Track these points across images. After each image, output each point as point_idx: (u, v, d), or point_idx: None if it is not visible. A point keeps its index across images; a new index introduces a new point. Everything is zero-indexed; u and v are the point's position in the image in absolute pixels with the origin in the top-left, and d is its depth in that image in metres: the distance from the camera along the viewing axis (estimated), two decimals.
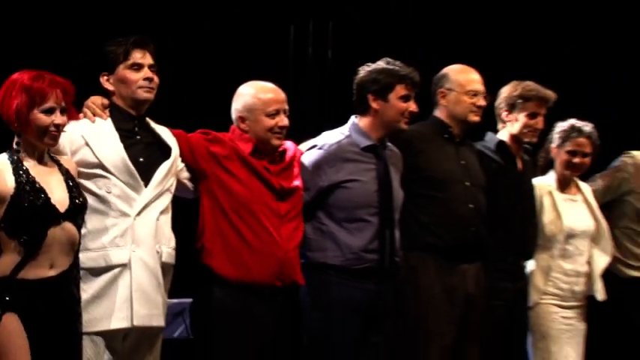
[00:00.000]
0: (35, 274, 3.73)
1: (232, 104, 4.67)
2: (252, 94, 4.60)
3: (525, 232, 5.51)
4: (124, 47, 4.31)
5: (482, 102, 5.25)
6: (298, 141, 5.07)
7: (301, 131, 6.54)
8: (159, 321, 4.23)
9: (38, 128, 3.79)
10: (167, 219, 4.35)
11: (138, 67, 4.30)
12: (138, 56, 4.31)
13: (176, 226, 4.41)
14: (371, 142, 4.86)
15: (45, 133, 3.81)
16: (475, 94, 5.21)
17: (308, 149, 4.93)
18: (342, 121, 5.05)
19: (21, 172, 3.77)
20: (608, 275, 5.73)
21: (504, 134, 5.56)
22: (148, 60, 4.34)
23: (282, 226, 4.54)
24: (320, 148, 4.87)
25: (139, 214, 4.16)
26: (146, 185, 4.21)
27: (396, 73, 4.87)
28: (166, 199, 4.34)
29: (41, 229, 3.73)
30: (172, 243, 4.35)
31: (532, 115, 5.45)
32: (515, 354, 5.56)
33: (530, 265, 5.60)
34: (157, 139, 4.46)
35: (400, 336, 4.87)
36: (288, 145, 4.77)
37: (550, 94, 5.58)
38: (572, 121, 5.73)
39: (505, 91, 5.60)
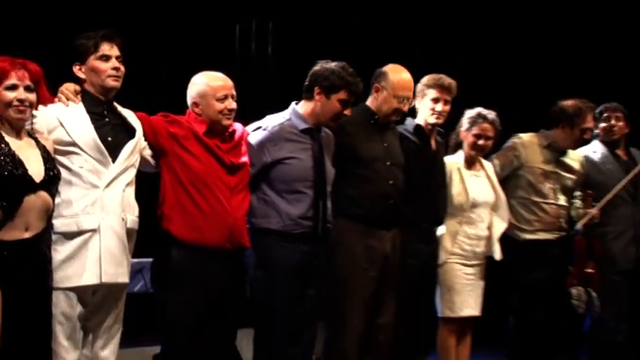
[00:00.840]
0: (11, 235, 3.83)
1: (187, 91, 4.85)
2: (204, 82, 4.81)
3: (437, 202, 5.84)
4: (93, 40, 4.44)
5: (406, 108, 5.54)
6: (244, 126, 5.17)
7: (246, 118, 6.75)
8: (124, 278, 4.40)
9: (3, 104, 3.92)
10: (131, 191, 4.49)
11: (106, 58, 4.43)
12: (106, 48, 4.44)
13: (139, 197, 4.55)
14: (308, 125, 5.11)
15: (9, 106, 3.91)
16: (402, 100, 5.47)
17: (253, 130, 5.14)
18: (281, 108, 5.29)
19: (3, 144, 3.88)
20: (505, 239, 6.09)
21: (420, 119, 5.86)
22: (115, 52, 4.46)
23: (232, 197, 4.75)
24: (264, 129, 5.09)
25: (107, 186, 4.32)
26: (114, 161, 4.36)
27: (344, 78, 5.08)
28: (131, 173, 4.49)
29: (18, 196, 3.83)
30: (136, 211, 4.49)
31: (435, 100, 5.76)
32: (425, 304, 5.85)
33: (440, 230, 5.90)
34: (123, 121, 4.59)
35: (330, 288, 5.20)
36: (237, 126, 4.96)
37: (449, 82, 5.82)
38: (479, 109, 6.04)
39: (418, 84, 5.87)
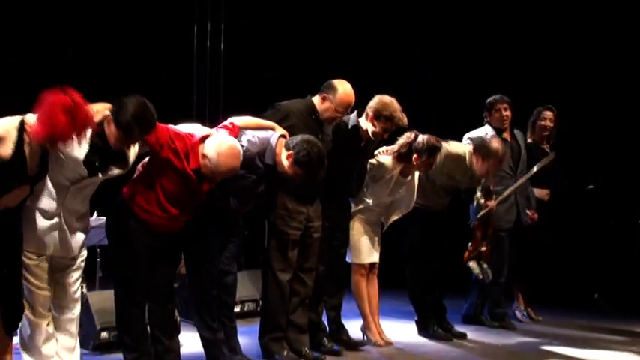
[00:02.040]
0: None
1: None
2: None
3: (352, 183, 6.27)
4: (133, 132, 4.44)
5: (340, 119, 5.89)
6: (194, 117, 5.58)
7: (199, 107, 6.91)
8: (76, 251, 4.65)
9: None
10: (91, 192, 4.67)
11: (123, 142, 4.50)
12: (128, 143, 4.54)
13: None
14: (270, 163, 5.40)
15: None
16: (341, 112, 5.79)
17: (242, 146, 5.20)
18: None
19: (21, 140, 4.09)
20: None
21: (363, 122, 6.09)
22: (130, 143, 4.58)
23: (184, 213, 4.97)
24: (247, 149, 5.27)
25: (76, 190, 4.52)
26: (89, 176, 4.48)
27: None
28: (96, 185, 4.65)
29: (11, 184, 4.13)
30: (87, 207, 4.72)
31: (378, 127, 5.98)
32: (335, 255, 6.25)
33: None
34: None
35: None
36: None
37: (398, 118, 6.00)
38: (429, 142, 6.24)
39: (374, 102, 6.02)
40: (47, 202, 4.47)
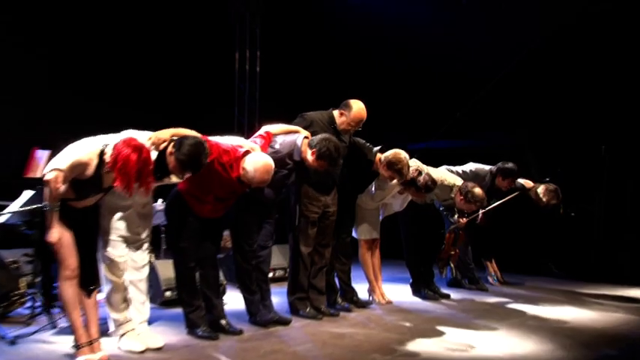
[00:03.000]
0: (76, 204, 4.17)
1: (245, 163, 4.80)
2: (261, 173, 4.80)
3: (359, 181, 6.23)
4: (188, 166, 4.38)
5: (353, 131, 5.85)
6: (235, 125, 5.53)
7: (240, 118, 6.78)
8: (148, 232, 4.79)
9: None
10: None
11: (182, 174, 4.52)
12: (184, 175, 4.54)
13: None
14: (298, 159, 5.36)
15: None
16: (353, 126, 5.77)
17: (271, 151, 5.29)
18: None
19: (99, 165, 4.08)
20: None
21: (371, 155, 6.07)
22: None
23: (214, 212, 4.98)
24: (277, 151, 5.31)
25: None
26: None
27: (330, 157, 5.24)
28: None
29: (90, 194, 4.20)
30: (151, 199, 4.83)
31: (390, 177, 5.99)
32: (344, 233, 6.20)
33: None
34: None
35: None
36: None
37: (405, 174, 5.97)
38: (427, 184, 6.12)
39: (391, 154, 5.95)
40: (122, 199, 4.54)
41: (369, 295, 6.59)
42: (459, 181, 6.83)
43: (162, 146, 4.42)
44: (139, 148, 4.02)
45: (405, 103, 8.62)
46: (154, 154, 4.32)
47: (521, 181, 7.53)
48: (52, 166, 4.01)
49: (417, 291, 6.94)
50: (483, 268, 8.01)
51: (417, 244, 6.91)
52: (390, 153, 6.05)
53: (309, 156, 5.34)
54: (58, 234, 4.06)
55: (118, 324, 4.64)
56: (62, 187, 4.02)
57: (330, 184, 5.88)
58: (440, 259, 7.05)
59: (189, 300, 5.02)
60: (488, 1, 9.04)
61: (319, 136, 5.38)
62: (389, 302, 6.52)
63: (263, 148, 5.15)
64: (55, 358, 4.30)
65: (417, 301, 6.72)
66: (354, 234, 6.51)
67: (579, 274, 8.47)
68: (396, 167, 5.99)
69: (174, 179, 4.70)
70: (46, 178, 4.01)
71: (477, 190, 6.63)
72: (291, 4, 9.99)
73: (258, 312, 5.41)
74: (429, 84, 9.50)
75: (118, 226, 4.63)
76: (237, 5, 10.00)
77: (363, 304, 6.29)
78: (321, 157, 5.29)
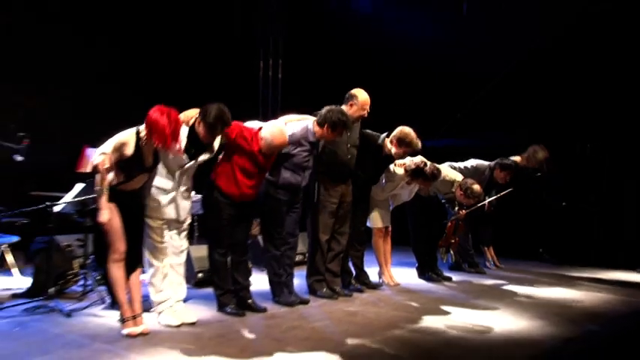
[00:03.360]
0: (126, 187, 4.27)
1: (263, 131, 4.90)
2: (276, 139, 4.86)
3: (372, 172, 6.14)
4: (219, 124, 4.53)
5: (365, 114, 5.74)
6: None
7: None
8: (186, 216, 4.77)
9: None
10: (192, 173, 4.77)
11: (213, 135, 4.60)
12: (217, 132, 4.60)
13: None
14: (313, 139, 5.34)
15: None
16: (365, 110, 5.70)
17: (289, 135, 5.16)
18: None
19: (138, 146, 4.21)
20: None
21: (388, 145, 5.97)
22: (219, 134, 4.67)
23: (253, 181, 4.97)
24: (293, 134, 5.23)
25: (180, 174, 4.64)
26: (188, 162, 4.61)
27: (344, 122, 5.23)
28: (195, 168, 4.71)
29: (135, 174, 4.27)
30: (192, 183, 4.79)
31: (405, 153, 5.97)
32: (358, 222, 6.16)
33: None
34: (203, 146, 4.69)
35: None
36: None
37: (416, 144, 5.92)
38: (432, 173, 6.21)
39: (398, 131, 5.94)
40: (165, 183, 4.64)
41: (380, 278, 6.63)
42: (459, 177, 6.91)
43: (190, 122, 4.58)
44: (167, 111, 4.15)
45: (408, 103, 8.59)
46: (184, 131, 4.50)
47: (512, 158, 7.51)
48: (98, 152, 4.18)
49: (422, 274, 7.00)
50: (482, 254, 8.05)
51: (422, 232, 6.98)
52: (395, 132, 6.01)
53: (325, 130, 5.28)
54: (108, 216, 4.16)
55: (158, 302, 4.71)
56: (109, 170, 4.13)
57: (347, 174, 5.84)
58: (441, 246, 7.09)
59: (220, 284, 5.07)
60: (489, 4, 8.95)
61: (322, 111, 5.32)
62: (397, 284, 6.57)
63: None
64: (104, 330, 4.41)
65: (422, 283, 6.77)
66: (367, 223, 6.52)
67: (568, 260, 8.51)
68: (406, 140, 5.94)
69: (204, 157, 4.72)
70: (95, 162, 4.16)
71: (476, 187, 6.71)
72: (311, 20, 10.01)
73: (282, 293, 5.46)
74: (434, 84, 9.47)
75: (162, 211, 4.65)
76: (263, 28, 10.08)
77: (374, 286, 6.33)
78: (334, 125, 5.25)
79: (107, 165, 4.16)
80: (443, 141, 8.81)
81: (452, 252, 7.26)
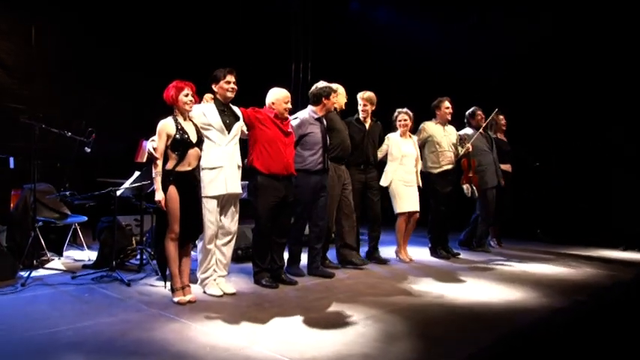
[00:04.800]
0: (182, 168, 4.22)
1: (267, 97, 4.97)
2: (277, 93, 4.96)
3: (369, 154, 6.12)
4: (223, 72, 4.63)
5: (342, 104, 5.74)
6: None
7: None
8: (238, 189, 4.66)
9: (182, 102, 4.25)
10: (238, 147, 4.68)
11: (228, 82, 4.63)
12: (229, 77, 4.62)
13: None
14: (318, 116, 5.42)
15: (185, 104, 4.26)
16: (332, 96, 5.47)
17: (294, 118, 5.34)
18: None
19: (177, 125, 4.22)
20: (426, 174, 6.68)
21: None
22: (233, 79, 4.64)
23: (287, 149, 4.94)
24: (299, 118, 5.38)
25: (226, 145, 4.57)
26: (229, 133, 4.58)
27: (332, 88, 5.47)
28: (237, 139, 4.68)
29: (185, 149, 4.21)
30: (239, 158, 4.69)
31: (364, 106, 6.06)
32: (368, 206, 6.18)
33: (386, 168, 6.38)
34: (233, 114, 4.72)
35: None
36: (289, 116, 5.10)
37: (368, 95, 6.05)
38: (399, 109, 6.43)
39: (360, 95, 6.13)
40: (212, 160, 4.54)
41: (396, 255, 6.58)
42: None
43: (212, 100, 4.66)
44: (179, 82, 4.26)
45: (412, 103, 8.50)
46: (212, 108, 4.58)
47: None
48: (150, 142, 4.25)
49: (434, 251, 6.90)
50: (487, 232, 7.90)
51: (440, 219, 6.82)
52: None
53: (322, 109, 5.41)
54: (162, 197, 4.16)
55: (203, 279, 4.71)
56: (161, 155, 4.15)
57: (347, 153, 5.82)
58: (463, 184, 6.89)
59: (259, 262, 5.05)
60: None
61: (310, 92, 5.49)
62: (411, 260, 6.53)
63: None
64: (157, 297, 4.49)
65: (434, 260, 6.72)
66: (395, 209, 6.46)
67: (561, 240, 8.37)
68: (364, 97, 6.08)
69: (239, 123, 4.69)
70: (149, 149, 4.24)
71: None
72: (335, 30, 9.94)
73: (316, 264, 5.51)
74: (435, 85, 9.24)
75: (213, 187, 4.50)
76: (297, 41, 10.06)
77: (385, 261, 6.27)
78: (324, 93, 5.38)
79: (158, 151, 4.18)
80: None
81: (474, 187, 6.92)
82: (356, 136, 6.10)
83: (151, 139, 4.29)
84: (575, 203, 8.77)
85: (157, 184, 4.20)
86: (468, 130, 7.31)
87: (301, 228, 5.51)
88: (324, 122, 5.55)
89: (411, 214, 6.52)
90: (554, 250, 7.65)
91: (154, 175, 4.22)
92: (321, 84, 5.53)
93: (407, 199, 6.45)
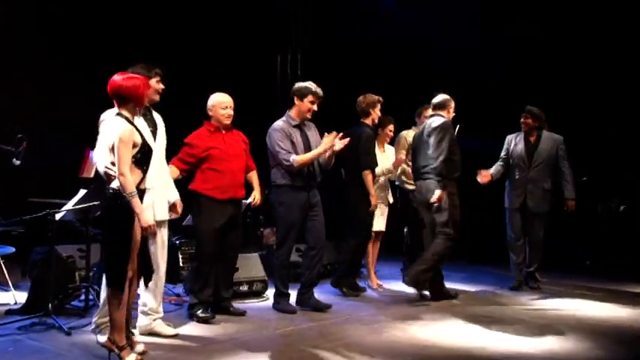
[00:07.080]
0: (144, 185, 4.11)
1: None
2: (212, 100, 5.39)
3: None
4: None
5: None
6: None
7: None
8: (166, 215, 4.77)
9: (152, 92, 4.50)
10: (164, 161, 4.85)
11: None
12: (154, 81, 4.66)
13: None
14: (296, 122, 5.76)
15: (157, 93, 4.65)
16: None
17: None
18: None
19: (137, 129, 4.06)
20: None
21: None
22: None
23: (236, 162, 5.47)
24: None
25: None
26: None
27: (310, 88, 5.74)
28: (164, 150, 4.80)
29: (149, 161, 4.15)
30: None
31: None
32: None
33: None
34: (154, 121, 4.71)
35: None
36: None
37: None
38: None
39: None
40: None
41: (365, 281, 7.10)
42: None
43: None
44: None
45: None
46: (140, 120, 4.37)
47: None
48: (99, 158, 4.19)
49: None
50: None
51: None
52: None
53: (301, 111, 5.75)
54: (132, 224, 3.98)
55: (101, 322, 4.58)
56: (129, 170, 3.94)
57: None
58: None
59: (198, 290, 5.37)
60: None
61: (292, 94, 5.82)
62: (380, 286, 7.08)
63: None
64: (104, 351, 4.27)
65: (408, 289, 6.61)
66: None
67: (616, 272, 8.26)
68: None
69: (162, 125, 4.76)
70: (105, 171, 4.08)
71: None
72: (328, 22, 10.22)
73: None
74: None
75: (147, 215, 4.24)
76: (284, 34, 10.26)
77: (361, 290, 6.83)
78: (307, 91, 5.72)
79: (124, 167, 3.96)
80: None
81: None
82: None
83: (96, 151, 4.16)
84: (631, 227, 8.76)
85: (138, 207, 3.97)
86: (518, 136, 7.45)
87: (285, 254, 5.81)
88: (307, 125, 5.91)
89: (376, 233, 7.02)
90: (608, 287, 7.52)
91: (128, 196, 3.94)
92: (294, 86, 5.89)
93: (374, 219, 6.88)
